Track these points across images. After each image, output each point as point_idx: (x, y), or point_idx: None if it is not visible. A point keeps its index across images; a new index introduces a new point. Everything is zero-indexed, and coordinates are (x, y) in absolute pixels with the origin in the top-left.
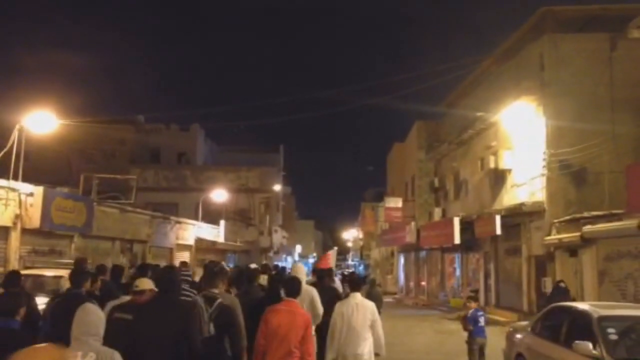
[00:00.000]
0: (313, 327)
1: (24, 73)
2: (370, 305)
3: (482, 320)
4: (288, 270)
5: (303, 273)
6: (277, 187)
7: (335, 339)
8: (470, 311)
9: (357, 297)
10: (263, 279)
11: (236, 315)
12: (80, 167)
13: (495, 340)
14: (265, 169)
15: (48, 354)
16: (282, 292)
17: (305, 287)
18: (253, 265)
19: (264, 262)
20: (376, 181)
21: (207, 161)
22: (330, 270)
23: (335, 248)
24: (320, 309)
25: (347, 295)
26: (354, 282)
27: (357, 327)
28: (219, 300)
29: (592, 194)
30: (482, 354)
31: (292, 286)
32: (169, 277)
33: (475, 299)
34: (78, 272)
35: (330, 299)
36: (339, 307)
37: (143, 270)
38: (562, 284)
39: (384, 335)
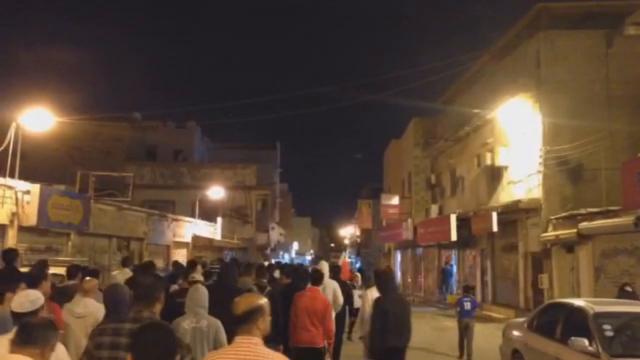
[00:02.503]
0: (333, 313)
1: (20, 70)
2: None
3: (467, 305)
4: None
5: (327, 269)
6: (274, 184)
7: (364, 321)
8: (457, 297)
9: (374, 290)
10: (276, 273)
11: (278, 298)
12: (76, 165)
13: (491, 337)
14: (262, 166)
15: None
16: (309, 282)
17: (329, 280)
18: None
19: (284, 261)
20: (373, 178)
21: (203, 158)
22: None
23: (344, 252)
24: (341, 299)
25: (370, 287)
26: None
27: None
28: (268, 288)
29: (588, 190)
30: (468, 330)
31: (316, 277)
32: (224, 269)
33: (466, 289)
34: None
35: (344, 290)
36: (367, 294)
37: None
38: (628, 288)
39: None
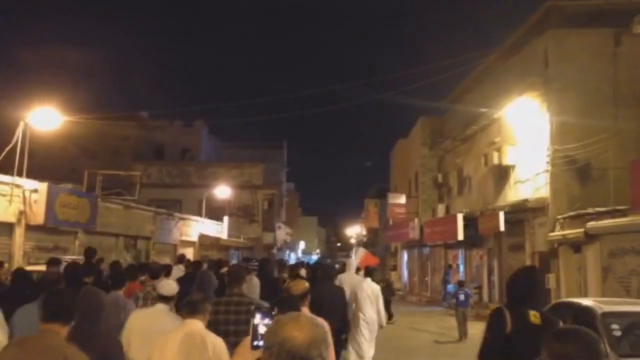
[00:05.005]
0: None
1: (28, 69)
2: (376, 286)
3: (461, 297)
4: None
5: (353, 266)
6: (281, 184)
7: (353, 306)
8: (454, 291)
9: (368, 280)
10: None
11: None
12: (84, 164)
13: None
14: (268, 165)
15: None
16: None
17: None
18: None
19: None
20: (379, 177)
21: (210, 157)
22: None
23: (362, 248)
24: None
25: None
26: (368, 271)
27: (367, 299)
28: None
29: (596, 190)
30: (464, 317)
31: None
32: (266, 264)
33: (460, 284)
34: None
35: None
36: (357, 284)
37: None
38: None
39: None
